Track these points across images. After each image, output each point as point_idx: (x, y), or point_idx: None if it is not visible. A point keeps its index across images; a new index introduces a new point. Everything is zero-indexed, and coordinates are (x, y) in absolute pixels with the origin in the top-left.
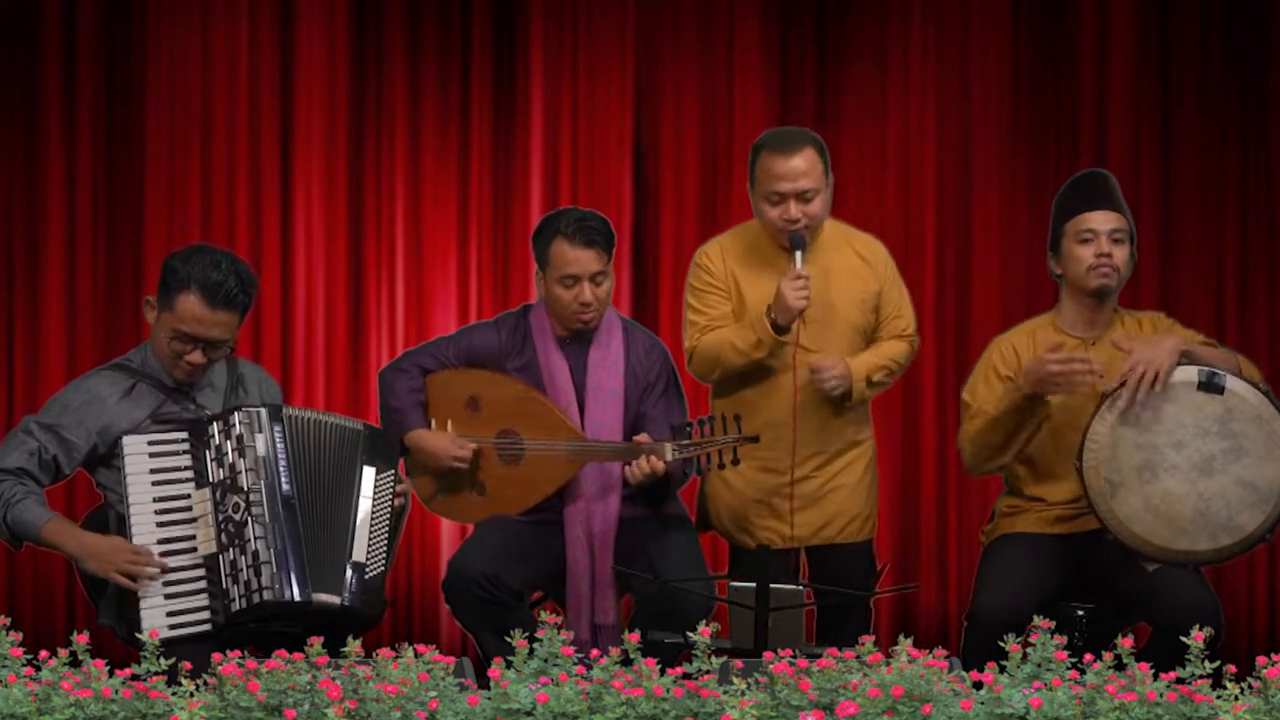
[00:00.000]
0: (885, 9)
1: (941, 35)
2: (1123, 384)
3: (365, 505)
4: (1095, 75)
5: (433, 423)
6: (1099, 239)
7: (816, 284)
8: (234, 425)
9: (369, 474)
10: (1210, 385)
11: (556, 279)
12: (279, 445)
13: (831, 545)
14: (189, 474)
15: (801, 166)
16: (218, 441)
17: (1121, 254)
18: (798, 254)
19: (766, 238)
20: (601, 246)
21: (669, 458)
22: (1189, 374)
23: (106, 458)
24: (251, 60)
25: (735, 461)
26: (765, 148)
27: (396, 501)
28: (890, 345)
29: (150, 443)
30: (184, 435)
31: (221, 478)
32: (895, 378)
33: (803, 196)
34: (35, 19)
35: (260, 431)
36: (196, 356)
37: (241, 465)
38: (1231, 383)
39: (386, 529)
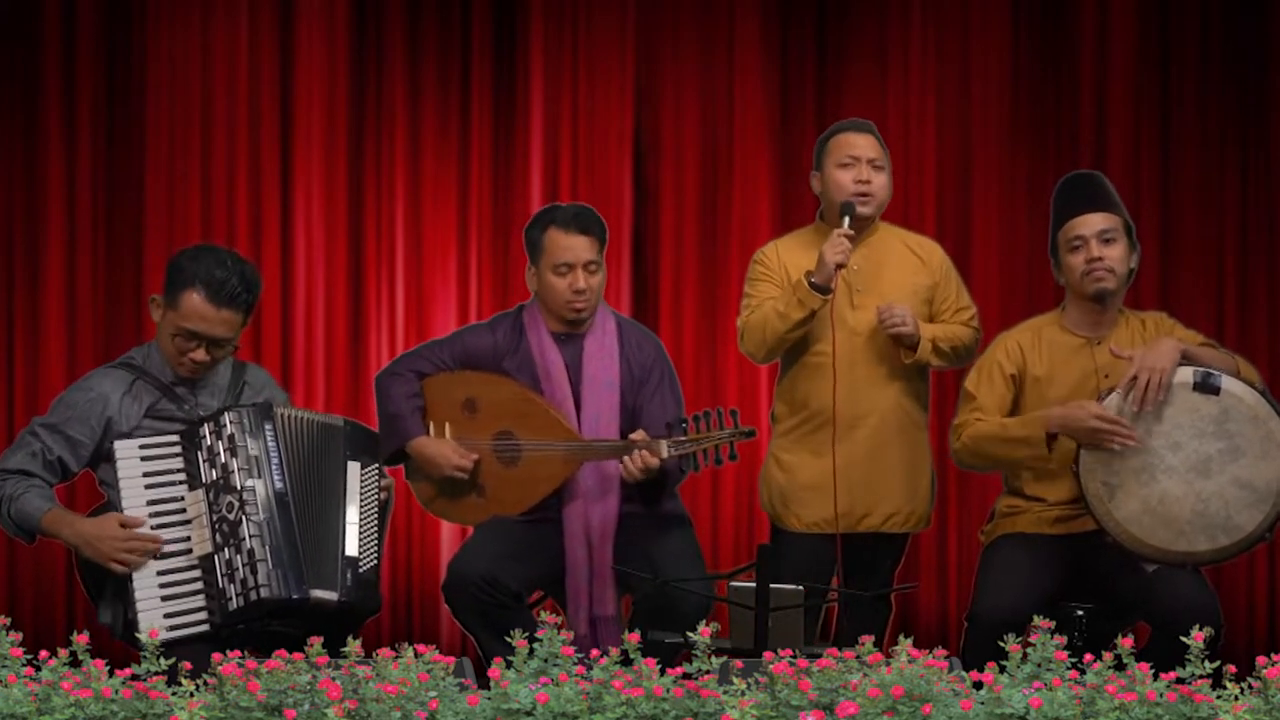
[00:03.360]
0: (885, 9)
1: (941, 35)
2: (1115, 389)
3: (354, 500)
4: (1095, 75)
5: (430, 427)
6: (1088, 244)
7: (867, 274)
8: (225, 425)
9: (354, 469)
10: (1205, 386)
11: (551, 267)
12: (270, 443)
13: (874, 534)
14: (182, 476)
15: (874, 144)
16: (209, 442)
17: (1115, 253)
18: (845, 219)
19: (821, 239)
20: (595, 235)
21: (665, 454)
22: (1184, 375)
23: (109, 454)
24: (251, 60)
25: (733, 457)
26: (840, 130)
27: (381, 495)
28: (956, 327)
29: (142, 446)
30: (175, 438)
31: (214, 478)
32: (960, 361)
33: (874, 163)
34: (35, 19)
35: (251, 431)
36: (200, 354)
37: (234, 465)
38: (1227, 383)
39: (376, 522)
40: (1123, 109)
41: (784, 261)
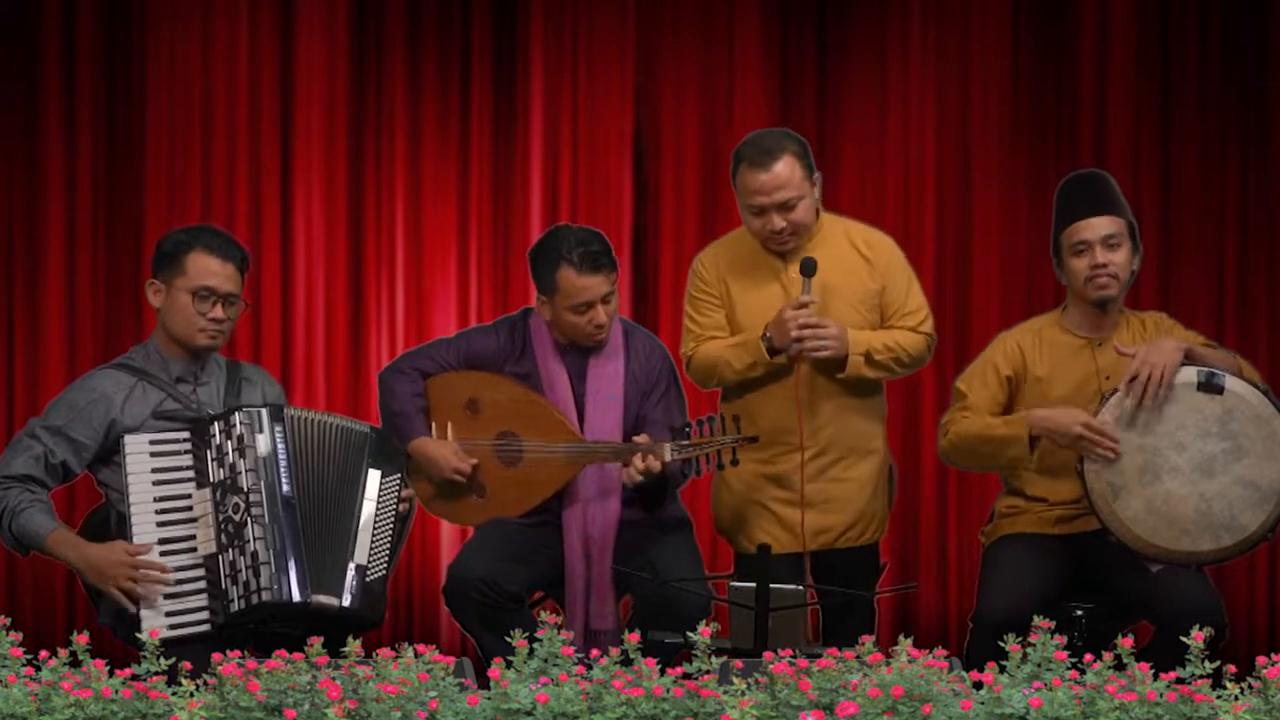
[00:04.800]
0: (885, 9)
1: (941, 35)
2: (1117, 389)
3: (369, 507)
4: (1095, 75)
5: (433, 425)
6: (1092, 249)
7: (814, 287)
8: (235, 425)
9: (374, 476)
10: (1210, 386)
11: (568, 307)
12: (280, 445)
13: (834, 549)
14: (190, 474)
15: (780, 177)
16: (218, 441)
17: (1119, 258)
18: (806, 281)
19: (755, 245)
20: (608, 268)
21: (668, 458)
22: (1188, 375)
23: (109, 456)
24: (251, 60)
25: (735, 462)
26: (742, 160)
27: (401, 506)
28: (901, 333)
29: (152, 442)
30: (185, 435)
31: (222, 478)
32: (906, 369)
33: (784, 206)
34: (35, 19)
35: (261, 432)
36: (219, 312)
37: (242, 465)
38: (1231, 383)
39: (390, 532)
40: (1123, 109)
41: (722, 276)
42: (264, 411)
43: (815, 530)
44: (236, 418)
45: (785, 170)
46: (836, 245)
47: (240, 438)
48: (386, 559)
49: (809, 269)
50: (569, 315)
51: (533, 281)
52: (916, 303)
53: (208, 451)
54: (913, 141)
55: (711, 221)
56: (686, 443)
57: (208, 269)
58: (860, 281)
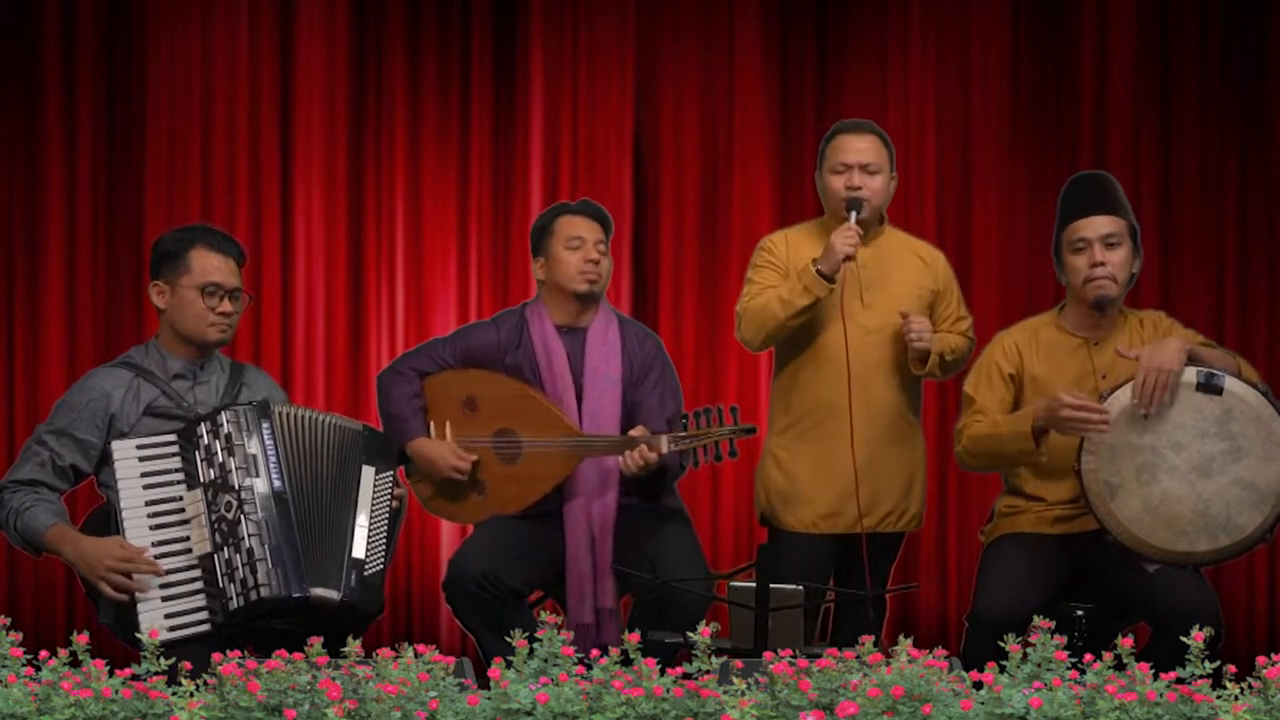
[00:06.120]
0: (885, 9)
1: (941, 35)
2: (1121, 386)
3: (365, 503)
4: (1095, 75)
5: (431, 425)
6: (1092, 247)
7: (874, 273)
8: (222, 425)
9: (368, 473)
10: (1209, 386)
11: (563, 244)
12: (268, 442)
13: (871, 534)
14: (180, 476)
15: (868, 144)
16: (206, 442)
17: (1118, 258)
18: (852, 214)
19: (827, 234)
20: (603, 223)
21: (665, 450)
22: (1188, 375)
23: (109, 455)
24: (251, 60)
25: (733, 454)
26: (838, 131)
27: (394, 504)
28: (955, 338)
29: (139, 446)
30: (173, 438)
31: (212, 478)
32: (954, 371)
33: (866, 168)
34: (35, 19)
35: (249, 429)
36: (227, 305)
37: (231, 464)
38: (1230, 383)
39: (385, 527)
40: (1123, 109)
41: (791, 252)
42: (250, 409)
43: (862, 511)
44: (223, 417)
45: (874, 144)
46: (898, 248)
47: (228, 436)
48: (383, 553)
49: (856, 205)
50: (563, 253)
51: (531, 250)
52: (965, 311)
53: (196, 453)
54: (913, 141)
55: (711, 221)
56: (684, 434)
57: (212, 265)
58: (917, 275)
